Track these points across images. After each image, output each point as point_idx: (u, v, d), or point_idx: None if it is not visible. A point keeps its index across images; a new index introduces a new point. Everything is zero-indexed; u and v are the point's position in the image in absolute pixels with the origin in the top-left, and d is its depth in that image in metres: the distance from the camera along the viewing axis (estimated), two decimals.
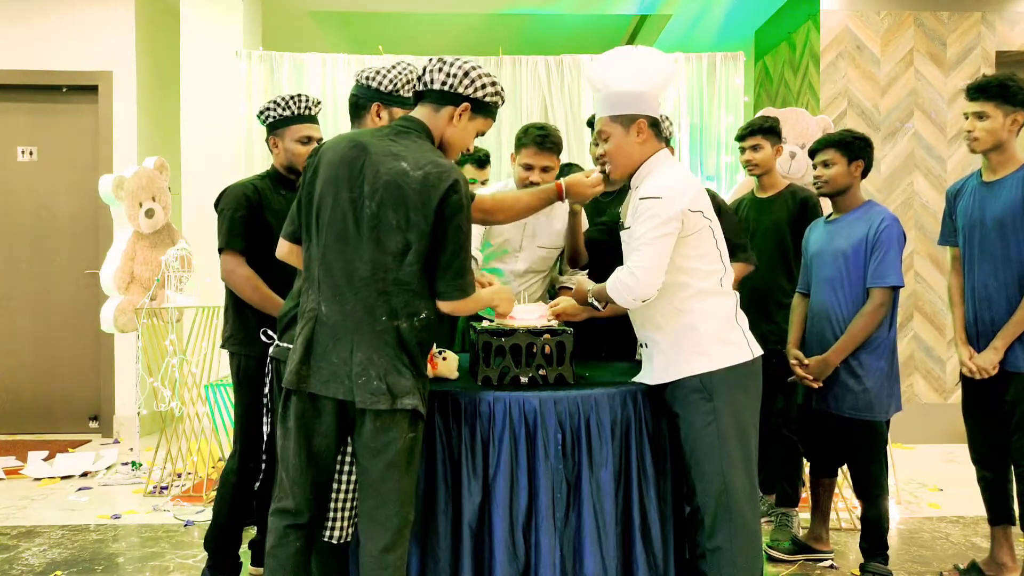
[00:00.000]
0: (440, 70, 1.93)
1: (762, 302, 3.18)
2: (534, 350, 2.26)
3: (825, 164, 2.80)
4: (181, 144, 4.88)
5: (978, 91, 2.62)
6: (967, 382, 2.75)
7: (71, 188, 5.11)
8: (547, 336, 2.25)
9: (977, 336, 2.69)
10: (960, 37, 4.91)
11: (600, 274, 2.80)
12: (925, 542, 3.25)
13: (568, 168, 3.32)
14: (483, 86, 1.95)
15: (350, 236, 1.87)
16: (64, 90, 5.09)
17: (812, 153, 2.87)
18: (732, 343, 2.11)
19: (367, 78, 2.18)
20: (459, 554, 2.08)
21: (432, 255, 1.87)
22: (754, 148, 3.26)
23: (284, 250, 2.09)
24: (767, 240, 3.22)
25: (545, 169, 2.79)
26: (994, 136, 2.61)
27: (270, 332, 2.36)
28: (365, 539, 1.91)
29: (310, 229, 1.93)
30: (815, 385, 2.74)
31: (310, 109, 2.62)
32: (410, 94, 2.15)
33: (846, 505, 3.48)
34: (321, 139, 2.58)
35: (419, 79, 1.98)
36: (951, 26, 4.91)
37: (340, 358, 1.85)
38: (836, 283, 2.73)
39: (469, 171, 3.65)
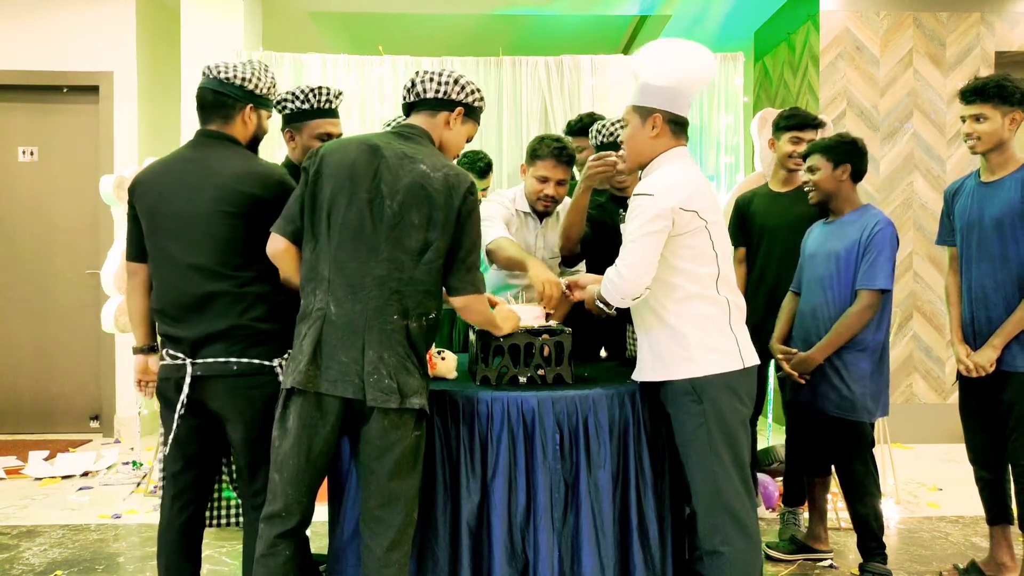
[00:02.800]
0: (432, 80, 2.05)
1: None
2: (532, 350, 2.26)
3: (811, 170, 2.80)
4: (181, 144, 4.88)
5: (975, 93, 2.62)
6: (964, 382, 2.76)
7: (71, 188, 5.12)
8: (545, 336, 2.26)
9: (974, 336, 2.69)
10: (959, 37, 4.91)
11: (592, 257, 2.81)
12: (925, 542, 3.25)
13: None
14: (472, 91, 2.09)
15: (366, 236, 1.90)
16: (65, 90, 5.10)
17: (803, 158, 2.88)
18: (722, 351, 2.07)
19: (242, 79, 2.15)
20: (458, 554, 2.09)
21: (450, 252, 1.95)
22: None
23: (280, 247, 1.99)
24: (792, 234, 3.10)
25: (560, 182, 2.76)
26: (996, 136, 2.61)
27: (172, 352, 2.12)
28: (369, 538, 1.92)
29: (318, 230, 1.94)
30: (801, 381, 2.77)
31: (331, 102, 2.49)
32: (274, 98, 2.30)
33: (846, 505, 3.47)
34: (341, 134, 2.49)
35: (408, 91, 2.08)
36: (950, 26, 4.91)
37: (350, 357, 1.87)
38: (826, 283, 2.73)
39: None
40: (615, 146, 2.64)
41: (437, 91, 2.04)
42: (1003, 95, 2.58)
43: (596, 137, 2.73)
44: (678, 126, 2.12)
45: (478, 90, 2.11)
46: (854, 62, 4.90)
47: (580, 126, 3.29)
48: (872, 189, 4.86)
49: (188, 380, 2.05)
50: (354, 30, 6.44)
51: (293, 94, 2.51)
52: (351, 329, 1.88)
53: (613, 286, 2.06)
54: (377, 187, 1.91)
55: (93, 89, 5.06)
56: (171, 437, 2.12)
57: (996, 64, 4.92)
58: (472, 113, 2.11)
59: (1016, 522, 2.72)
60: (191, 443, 2.13)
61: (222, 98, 2.16)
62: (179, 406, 2.05)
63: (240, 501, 2.22)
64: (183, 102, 4.87)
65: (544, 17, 5.95)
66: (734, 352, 2.08)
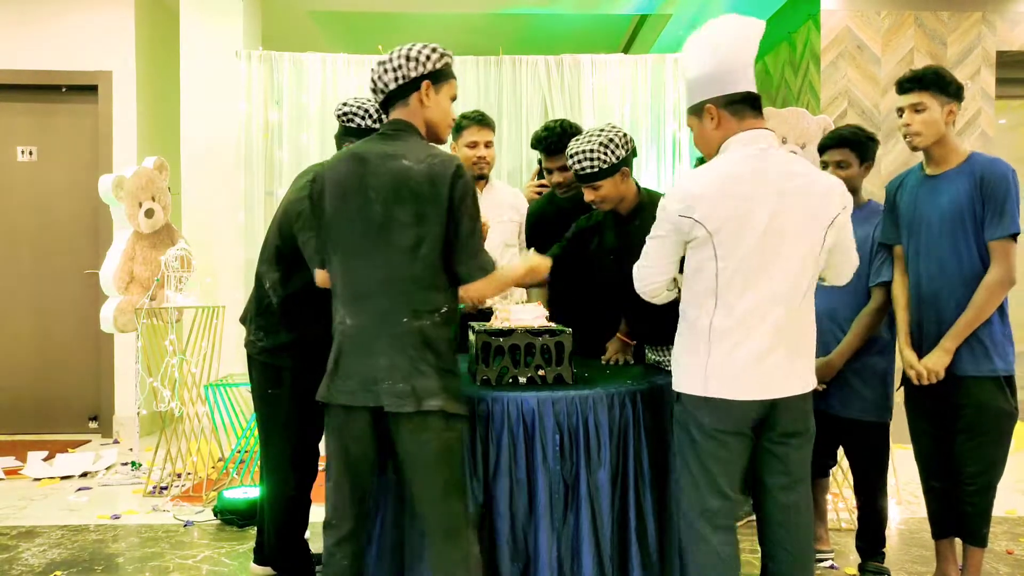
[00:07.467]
0: (387, 70, 1.98)
1: None
2: (532, 350, 2.26)
3: (840, 165, 2.72)
4: (181, 144, 4.88)
5: (913, 81, 2.47)
6: (910, 387, 2.61)
7: (71, 188, 5.11)
8: (546, 336, 2.25)
9: (921, 339, 2.51)
10: (960, 37, 4.90)
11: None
12: (925, 542, 3.23)
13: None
14: (427, 58, 1.97)
15: (361, 244, 1.92)
16: (64, 90, 5.09)
17: (823, 148, 2.79)
18: (688, 372, 1.97)
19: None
20: None
21: (447, 241, 1.92)
22: None
23: (322, 278, 2.10)
24: None
25: (487, 144, 3.12)
26: (934, 128, 2.44)
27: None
28: (429, 539, 1.95)
29: (328, 250, 2.00)
30: (819, 387, 2.67)
31: None
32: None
33: (846, 505, 3.47)
34: None
35: (374, 91, 2.03)
36: (951, 26, 4.90)
37: (366, 365, 1.89)
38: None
39: None
40: (594, 176, 2.37)
41: (396, 78, 1.97)
42: (941, 84, 2.44)
43: (573, 165, 2.41)
44: (737, 105, 1.95)
45: (434, 49, 1.99)
46: (855, 61, 4.89)
47: (555, 141, 2.86)
48: (873, 188, 4.84)
49: None
50: (354, 29, 6.43)
51: (365, 110, 2.41)
52: (364, 338, 1.91)
53: (635, 282, 2.07)
54: (365, 194, 1.92)
55: (92, 88, 5.05)
56: None
57: (997, 63, 4.91)
58: (440, 77, 2.00)
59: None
60: None
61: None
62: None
63: None
64: (182, 101, 4.86)
65: (544, 16, 5.95)
66: (699, 377, 1.93)
